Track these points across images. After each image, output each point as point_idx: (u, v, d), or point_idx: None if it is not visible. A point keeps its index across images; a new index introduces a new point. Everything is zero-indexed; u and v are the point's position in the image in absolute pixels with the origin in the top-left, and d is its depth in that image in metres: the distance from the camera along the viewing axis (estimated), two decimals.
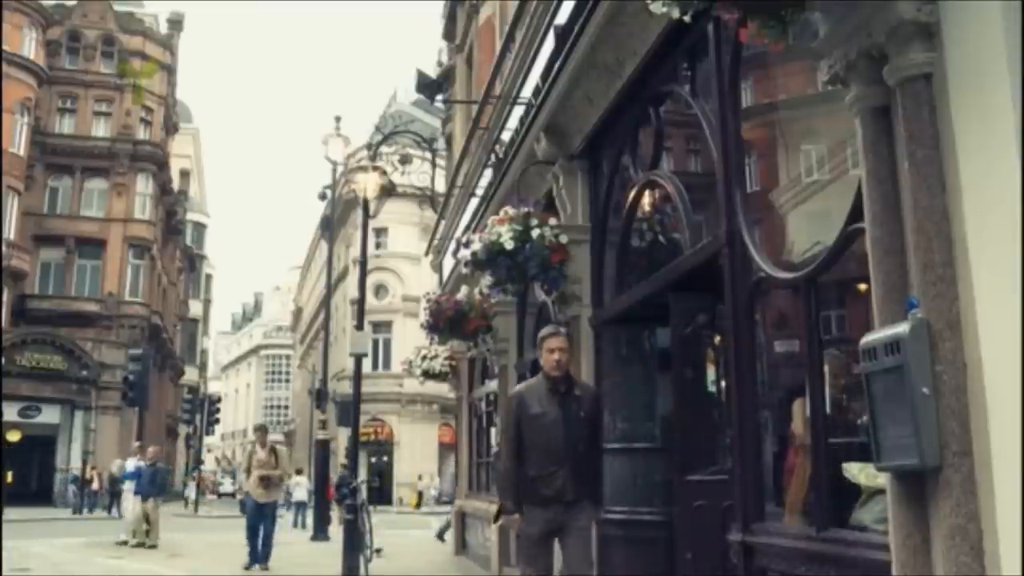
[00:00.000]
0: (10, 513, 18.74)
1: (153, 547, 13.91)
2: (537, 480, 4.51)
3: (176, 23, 41.20)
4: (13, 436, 29.32)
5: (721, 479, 4.54)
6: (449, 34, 17.39)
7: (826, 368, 3.70)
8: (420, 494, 35.79)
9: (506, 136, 9.10)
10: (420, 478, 36.77)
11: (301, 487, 23.89)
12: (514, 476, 4.62)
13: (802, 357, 3.87)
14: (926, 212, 2.49)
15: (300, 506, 23.08)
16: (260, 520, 10.99)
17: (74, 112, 35.37)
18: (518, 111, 8.22)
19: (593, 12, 5.49)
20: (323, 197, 21.76)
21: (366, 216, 12.39)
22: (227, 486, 49.44)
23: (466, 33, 14.82)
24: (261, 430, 11.45)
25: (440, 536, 15.39)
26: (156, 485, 14.55)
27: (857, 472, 3.37)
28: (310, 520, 21.85)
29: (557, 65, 6.34)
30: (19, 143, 31.50)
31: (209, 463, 47.88)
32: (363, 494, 11.94)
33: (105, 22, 36.17)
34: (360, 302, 12.62)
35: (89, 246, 34.10)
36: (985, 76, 2.36)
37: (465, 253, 6.53)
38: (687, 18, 2.75)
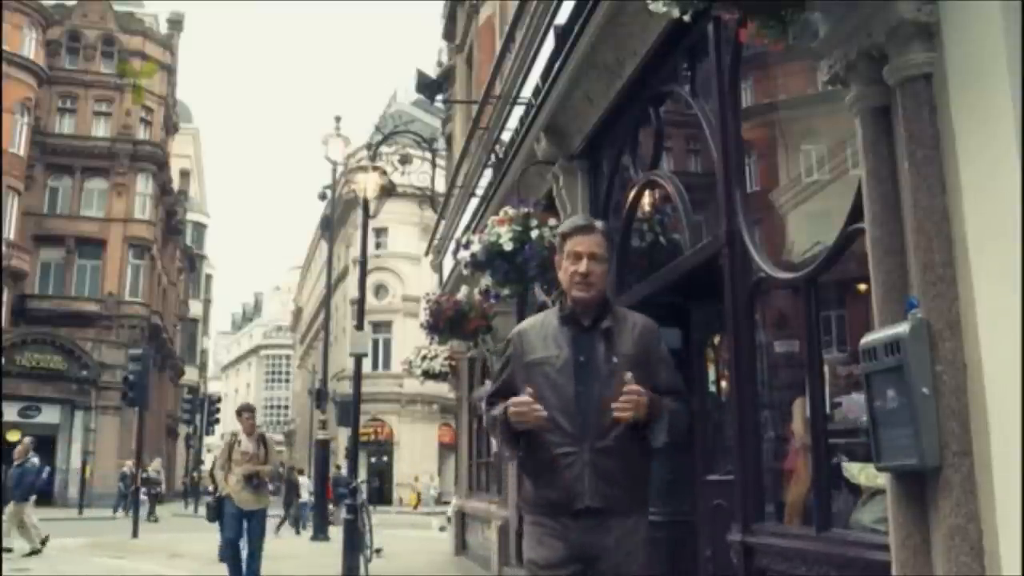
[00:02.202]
0: None
1: (37, 552, 12.64)
2: (539, 473, 2.73)
3: (176, 23, 41.21)
4: (13, 436, 29.30)
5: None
6: (449, 34, 17.40)
7: (826, 368, 3.71)
8: (419, 494, 35.82)
9: (506, 136, 9.11)
10: (417, 479, 36.77)
11: (304, 489, 23.91)
12: (496, 412, 2.81)
13: (802, 357, 3.87)
14: (926, 212, 2.49)
15: (303, 507, 23.10)
16: (243, 534, 8.21)
17: (74, 112, 35.37)
18: (518, 111, 8.23)
19: (593, 12, 5.49)
20: (323, 197, 21.77)
21: (366, 216, 12.39)
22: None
23: (466, 33, 14.83)
24: (247, 411, 8.50)
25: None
26: (23, 487, 13.05)
27: (857, 472, 3.37)
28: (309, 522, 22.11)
29: (557, 65, 6.34)
30: (19, 143, 31.50)
31: (209, 463, 48.04)
32: (363, 494, 11.95)
33: (105, 22, 36.17)
34: (360, 302, 12.63)
35: (89, 246, 34.10)
36: (985, 76, 2.35)
37: (465, 254, 6.54)
38: (687, 18, 2.75)
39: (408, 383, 30.92)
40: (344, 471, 24.34)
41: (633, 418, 2.59)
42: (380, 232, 36.38)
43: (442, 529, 20.00)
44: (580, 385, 2.70)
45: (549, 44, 6.83)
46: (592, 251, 2.82)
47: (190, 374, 49.47)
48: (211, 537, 17.10)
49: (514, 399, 2.65)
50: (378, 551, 11.32)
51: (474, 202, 10.96)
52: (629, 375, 2.60)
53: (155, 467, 27.15)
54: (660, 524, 5.43)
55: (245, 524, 8.21)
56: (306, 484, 24.29)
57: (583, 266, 2.80)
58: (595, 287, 2.81)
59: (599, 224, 2.94)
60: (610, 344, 2.75)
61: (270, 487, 8.97)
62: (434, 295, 10.63)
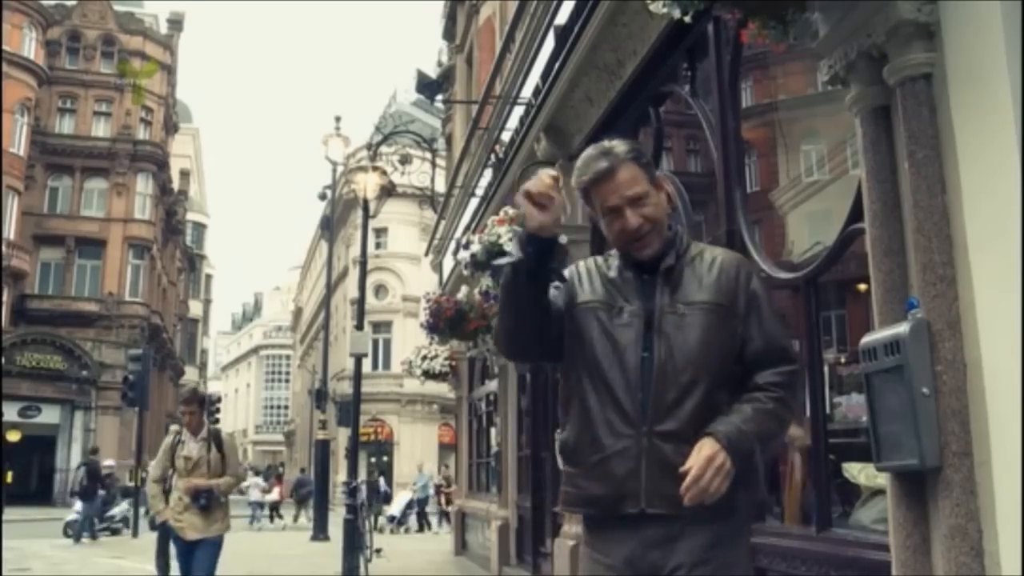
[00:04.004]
0: (10, 513, 18.74)
1: None
2: (581, 457, 2.06)
3: (176, 23, 41.21)
4: (13, 436, 29.33)
5: None
6: (449, 34, 17.40)
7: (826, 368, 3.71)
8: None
9: (506, 136, 9.11)
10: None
11: (255, 489, 24.03)
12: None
13: (802, 357, 3.87)
14: (926, 212, 2.49)
15: (253, 506, 23.29)
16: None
17: (74, 112, 35.37)
18: (518, 111, 8.23)
19: (593, 12, 5.49)
20: (323, 197, 21.78)
21: (366, 216, 12.39)
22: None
23: (466, 33, 14.83)
24: (194, 402, 5.87)
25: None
26: None
27: (857, 472, 3.37)
28: (263, 522, 22.49)
29: (557, 65, 6.34)
30: (19, 143, 31.50)
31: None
32: (363, 494, 11.96)
33: (105, 22, 36.18)
34: (360, 302, 12.63)
35: (89, 246, 34.11)
36: (985, 76, 2.35)
37: (465, 254, 6.54)
38: (687, 18, 2.75)
39: (408, 383, 30.88)
40: (311, 473, 24.57)
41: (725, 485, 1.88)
42: (380, 232, 36.36)
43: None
44: (640, 350, 2.02)
45: (549, 44, 6.83)
46: (630, 195, 2.06)
47: (190, 374, 49.46)
48: None
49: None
50: (378, 551, 11.31)
51: (474, 202, 10.96)
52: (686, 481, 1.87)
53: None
54: None
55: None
56: (256, 483, 24.50)
57: (629, 220, 2.06)
58: (655, 236, 2.09)
59: (621, 150, 2.10)
60: (675, 290, 2.06)
61: (227, 505, 5.94)
62: (434, 295, 10.62)
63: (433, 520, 22.82)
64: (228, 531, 5.94)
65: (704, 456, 1.88)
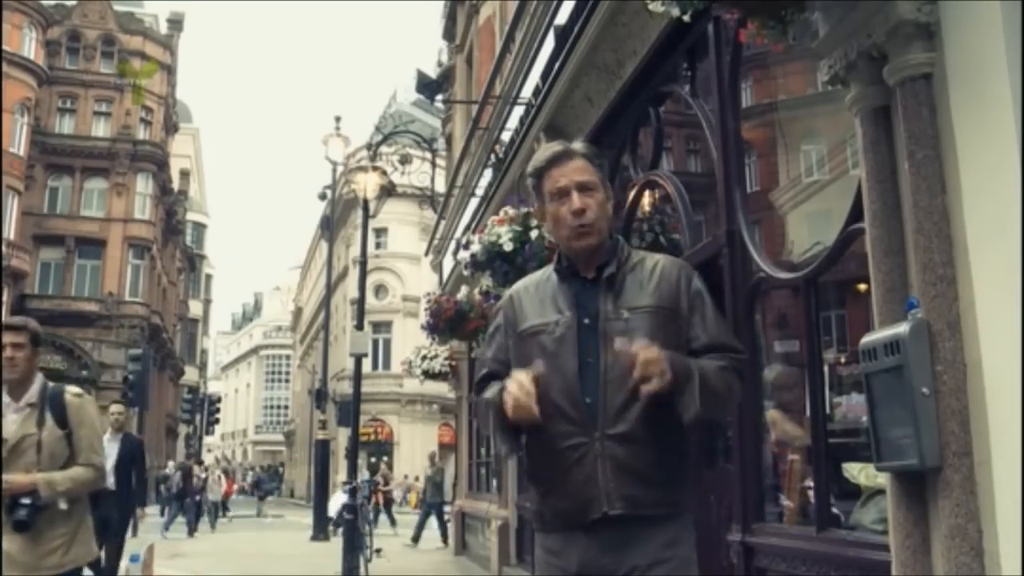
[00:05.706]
0: None
1: None
2: (543, 476, 2.12)
3: (176, 23, 41.22)
4: None
5: None
6: (449, 34, 17.40)
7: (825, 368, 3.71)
8: (418, 494, 35.86)
9: (506, 136, 9.11)
10: (417, 479, 36.81)
11: (214, 485, 23.94)
12: (489, 395, 2.16)
13: (802, 357, 3.87)
14: (926, 212, 2.48)
15: (215, 506, 23.20)
16: None
17: (74, 112, 35.38)
18: (518, 111, 8.23)
19: (593, 12, 5.50)
20: (323, 197, 21.79)
21: (366, 216, 12.40)
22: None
23: (466, 33, 14.83)
24: (23, 331, 3.31)
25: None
26: None
27: (857, 472, 3.37)
28: (221, 520, 22.50)
29: (557, 65, 6.35)
30: (19, 143, 31.49)
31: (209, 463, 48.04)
32: (363, 494, 11.96)
33: (105, 22, 36.19)
34: (360, 302, 12.64)
35: (89, 246, 34.11)
36: (985, 76, 2.35)
37: (465, 254, 6.53)
38: (687, 18, 2.75)
39: (408, 383, 30.92)
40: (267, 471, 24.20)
41: (660, 387, 1.92)
42: (380, 232, 36.38)
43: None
44: (587, 356, 2.06)
45: (549, 44, 6.84)
46: (579, 180, 2.12)
47: (190, 374, 49.47)
48: (211, 538, 16.85)
49: (510, 382, 2.02)
50: (378, 551, 11.32)
51: (474, 202, 10.97)
52: (621, 340, 1.96)
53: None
54: None
55: None
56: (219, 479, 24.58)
57: (574, 202, 2.10)
58: (596, 227, 2.11)
59: (579, 146, 2.20)
60: (618, 296, 2.09)
61: (84, 521, 3.46)
62: (434, 295, 10.62)
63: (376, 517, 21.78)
64: (90, 559, 3.49)
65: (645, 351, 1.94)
